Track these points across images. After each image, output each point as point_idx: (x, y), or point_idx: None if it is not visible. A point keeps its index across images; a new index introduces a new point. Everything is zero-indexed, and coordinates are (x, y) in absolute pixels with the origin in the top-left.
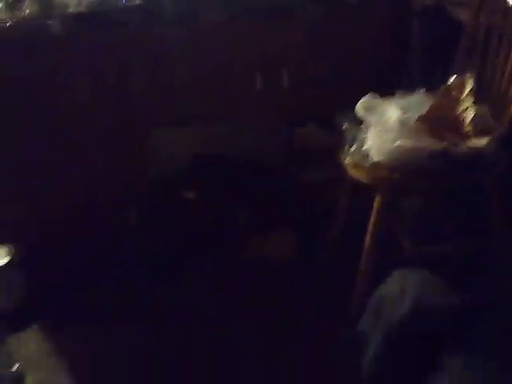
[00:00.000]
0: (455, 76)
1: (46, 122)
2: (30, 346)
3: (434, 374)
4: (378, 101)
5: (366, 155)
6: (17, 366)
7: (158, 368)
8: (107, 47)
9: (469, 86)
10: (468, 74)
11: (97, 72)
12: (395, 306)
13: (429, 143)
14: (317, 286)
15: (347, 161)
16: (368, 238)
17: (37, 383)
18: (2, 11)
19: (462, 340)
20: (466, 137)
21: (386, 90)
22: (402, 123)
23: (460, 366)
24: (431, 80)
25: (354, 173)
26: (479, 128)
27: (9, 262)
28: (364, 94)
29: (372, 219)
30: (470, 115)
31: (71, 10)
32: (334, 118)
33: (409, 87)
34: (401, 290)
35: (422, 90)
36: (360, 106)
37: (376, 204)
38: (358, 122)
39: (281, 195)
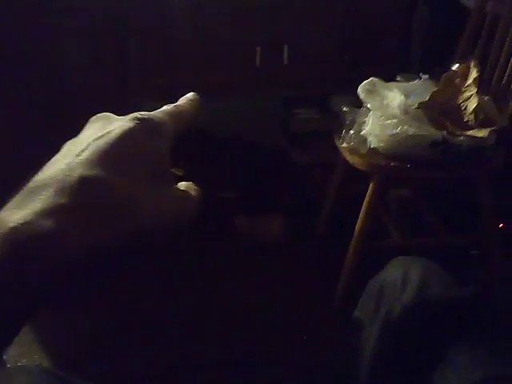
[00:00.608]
0: (459, 63)
1: (34, 88)
2: None
3: (439, 368)
4: (380, 84)
5: (364, 140)
6: None
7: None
8: (106, 10)
9: (473, 75)
10: (473, 62)
11: (94, 35)
12: (397, 295)
13: (429, 131)
14: (304, 271)
15: (344, 145)
16: (358, 225)
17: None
18: None
19: (468, 332)
20: (467, 126)
21: (387, 73)
22: (404, 109)
23: (467, 358)
24: (434, 66)
25: (350, 158)
26: (481, 118)
27: None
28: (364, 77)
29: (364, 206)
30: (472, 104)
31: None
32: (331, 99)
33: (411, 72)
34: (403, 277)
35: (425, 76)
36: (361, 89)
37: (370, 191)
38: (357, 105)
39: (273, 177)
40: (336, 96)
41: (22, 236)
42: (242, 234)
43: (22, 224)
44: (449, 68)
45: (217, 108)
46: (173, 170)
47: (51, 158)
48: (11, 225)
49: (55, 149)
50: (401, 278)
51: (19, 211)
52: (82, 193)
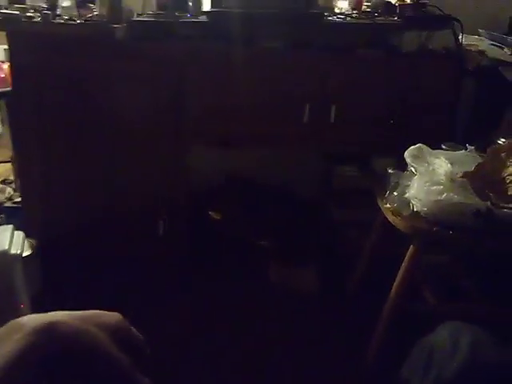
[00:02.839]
0: (506, 138)
1: (93, 122)
2: None
3: None
4: (427, 151)
5: (408, 203)
6: None
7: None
8: (167, 58)
9: None
10: None
11: (154, 81)
12: (448, 358)
13: (474, 201)
14: (333, 326)
15: (387, 206)
16: (395, 287)
17: None
18: (73, 8)
19: None
20: (509, 200)
21: (431, 141)
22: (449, 177)
23: None
24: (478, 138)
25: (392, 219)
26: None
27: (31, 253)
28: (407, 142)
29: (402, 268)
30: None
31: (136, 17)
32: (372, 159)
33: (457, 143)
34: (452, 341)
35: (471, 147)
36: (408, 153)
37: (409, 254)
38: (400, 168)
39: (309, 230)
40: (377, 157)
41: None
42: (273, 283)
43: None
44: (494, 141)
45: (261, 158)
46: (211, 213)
47: None
48: None
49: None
50: (450, 341)
51: None
52: None
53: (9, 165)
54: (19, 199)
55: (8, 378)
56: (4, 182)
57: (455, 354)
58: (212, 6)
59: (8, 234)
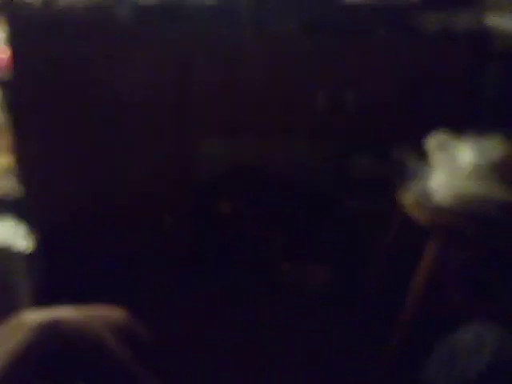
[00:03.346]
0: None
1: (97, 111)
2: None
3: None
4: (449, 140)
5: (429, 195)
6: None
7: None
8: (172, 42)
9: None
10: None
11: (158, 67)
12: (472, 359)
13: (499, 193)
14: (348, 324)
15: (406, 198)
16: (416, 283)
17: None
18: None
19: None
20: None
21: (454, 129)
22: (473, 168)
23: None
24: (506, 126)
25: (412, 211)
26: None
27: (33, 249)
28: (429, 130)
29: (423, 264)
30: None
31: (140, 0)
32: (391, 149)
33: (482, 130)
34: (477, 342)
35: (498, 136)
36: (430, 143)
37: (430, 248)
38: (419, 158)
39: (323, 224)
40: (396, 146)
41: None
42: (285, 279)
43: None
44: None
45: (272, 148)
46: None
47: None
48: None
49: None
50: (474, 342)
51: None
52: None
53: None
54: (21, 192)
55: (11, 374)
56: (5, 174)
57: (479, 353)
58: None
59: (10, 230)
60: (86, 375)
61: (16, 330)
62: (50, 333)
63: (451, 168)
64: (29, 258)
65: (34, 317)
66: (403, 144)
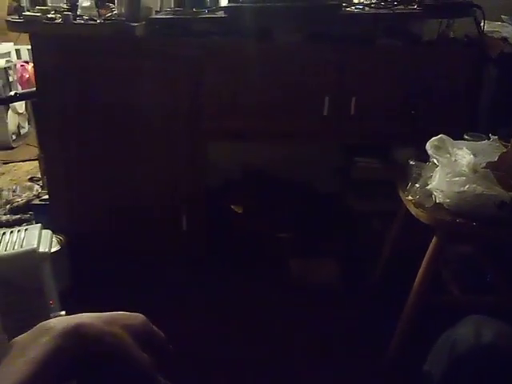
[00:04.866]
0: None
1: (116, 120)
2: None
3: None
4: (449, 141)
5: (430, 195)
6: None
7: None
8: (186, 54)
9: None
10: None
11: (173, 77)
12: (471, 352)
13: (497, 192)
14: (355, 318)
15: (409, 197)
16: (418, 278)
17: None
18: (93, 8)
19: None
20: None
21: (453, 131)
22: (472, 168)
23: None
24: (501, 128)
25: (414, 211)
26: None
27: (59, 250)
28: (430, 134)
29: (425, 260)
30: None
31: (154, 15)
32: (393, 150)
33: (479, 132)
34: (476, 335)
35: (494, 137)
36: (430, 144)
37: (432, 245)
38: (420, 159)
39: (329, 221)
40: (398, 148)
41: None
42: (295, 275)
43: None
44: None
45: (280, 151)
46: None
47: None
48: None
49: None
50: (474, 336)
51: None
52: None
53: (36, 162)
54: (47, 196)
55: (37, 380)
56: (32, 179)
57: (478, 349)
58: (229, 1)
59: (36, 233)
60: (107, 380)
61: (40, 336)
62: (74, 339)
63: (451, 169)
64: (55, 258)
65: (57, 323)
66: (405, 146)
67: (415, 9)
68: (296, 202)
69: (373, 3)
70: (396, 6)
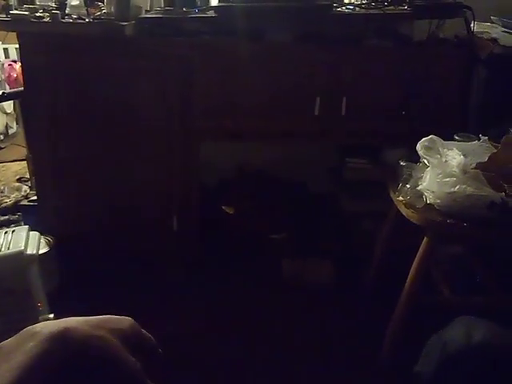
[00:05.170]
0: None
1: (105, 120)
2: None
3: None
4: (439, 142)
5: (420, 195)
6: None
7: None
8: (176, 54)
9: None
10: None
11: (164, 77)
12: (462, 353)
13: (488, 192)
14: (347, 319)
15: (399, 198)
16: (409, 279)
17: None
18: (82, 7)
19: None
20: None
21: (443, 132)
22: (462, 169)
23: None
24: (491, 129)
25: (405, 211)
26: None
27: (47, 251)
28: (420, 134)
29: (416, 260)
30: None
31: (144, 14)
32: (383, 152)
33: (469, 133)
34: (466, 336)
35: (484, 138)
36: (421, 145)
37: (423, 246)
38: (411, 160)
39: (321, 222)
40: (389, 149)
41: None
42: (287, 276)
43: None
44: (508, 130)
45: (273, 151)
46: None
47: None
48: None
49: None
50: (464, 336)
51: None
52: None
53: (24, 163)
54: (35, 197)
55: None
56: (20, 180)
57: (469, 350)
58: (219, 1)
59: (24, 235)
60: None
61: (26, 341)
62: (60, 343)
63: (441, 169)
64: (43, 260)
65: (44, 328)
66: (396, 147)
67: (405, 9)
68: (289, 203)
69: (363, 4)
70: (386, 6)
